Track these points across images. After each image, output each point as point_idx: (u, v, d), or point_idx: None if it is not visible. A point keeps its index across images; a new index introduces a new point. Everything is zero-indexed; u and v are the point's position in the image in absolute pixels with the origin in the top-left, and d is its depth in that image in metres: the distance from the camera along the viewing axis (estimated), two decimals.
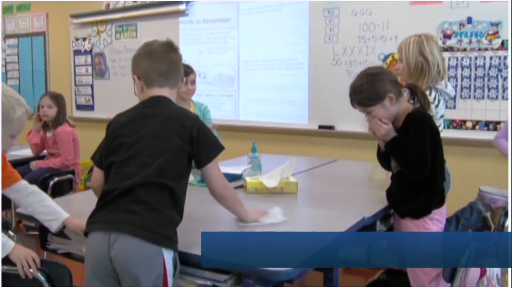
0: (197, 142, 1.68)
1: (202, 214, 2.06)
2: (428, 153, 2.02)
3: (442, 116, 2.58)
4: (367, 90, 2.06)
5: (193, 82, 3.13)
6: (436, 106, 2.49)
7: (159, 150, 1.64)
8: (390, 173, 2.30)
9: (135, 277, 1.52)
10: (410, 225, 2.15)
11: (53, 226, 1.89)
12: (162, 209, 1.59)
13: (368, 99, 2.06)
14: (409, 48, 2.50)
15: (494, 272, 2.05)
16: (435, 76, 2.50)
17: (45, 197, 1.95)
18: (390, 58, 3.80)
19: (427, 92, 2.46)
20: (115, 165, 1.67)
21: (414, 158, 2.03)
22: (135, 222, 1.54)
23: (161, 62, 1.78)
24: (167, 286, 1.54)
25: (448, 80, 2.67)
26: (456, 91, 3.48)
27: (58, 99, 3.88)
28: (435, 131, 2.09)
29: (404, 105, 2.11)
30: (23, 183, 1.93)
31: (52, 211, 1.91)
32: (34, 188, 1.95)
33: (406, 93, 2.18)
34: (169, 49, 1.80)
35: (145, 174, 1.60)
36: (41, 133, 3.94)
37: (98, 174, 1.78)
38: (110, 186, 1.64)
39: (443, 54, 2.72)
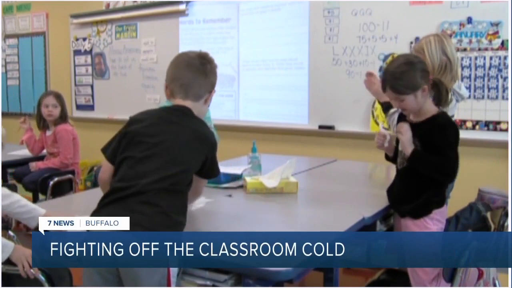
0: (208, 164, 1.78)
1: (201, 213, 2.06)
2: (458, 157, 2.06)
3: (451, 117, 2.54)
4: (406, 78, 2.05)
5: None
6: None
7: (178, 159, 1.67)
8: (390, 173, 2.29)
9: (139, 276, 1.52)
10: (411, 225, 2.15)
11: (32, 223, 1.92)
12: (172, 214, 1.61)
13: (405, 87, 2.05)
14: (432, 48, 2.41)
15: (490, 275, 2.05)
16: (455, 76, 2.45)
17: (18, 197, 1.98)
18: (390, 58, 3.79)
19: None
20: (131, 160, 1.67)
21: (448, 162, 2.04)
22: (144, 223, 1.55)
23: (183, 74, 1.82)
24: (170, 286, 1.55)
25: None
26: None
27: (61, 98, 3.90)
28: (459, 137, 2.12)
29: (428, 101, 2.11)
30: None
31: (29, 209, 1.95)
32: (5, 190, 1.97)
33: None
34: (195, 62, 1.83)
35: (159, 178, 1.61)
36: (39, 133, 3.95)
37: (108, 168, 1.77)
38: (122, 183, 1.64)
39: None
